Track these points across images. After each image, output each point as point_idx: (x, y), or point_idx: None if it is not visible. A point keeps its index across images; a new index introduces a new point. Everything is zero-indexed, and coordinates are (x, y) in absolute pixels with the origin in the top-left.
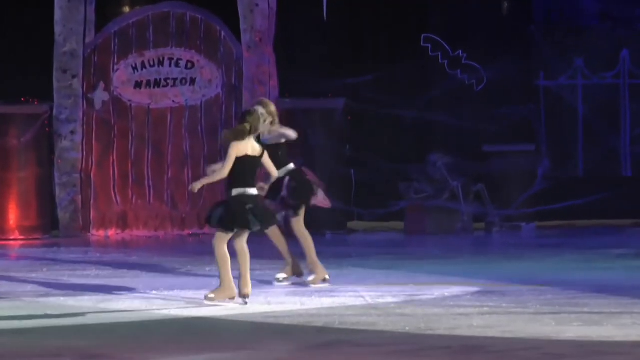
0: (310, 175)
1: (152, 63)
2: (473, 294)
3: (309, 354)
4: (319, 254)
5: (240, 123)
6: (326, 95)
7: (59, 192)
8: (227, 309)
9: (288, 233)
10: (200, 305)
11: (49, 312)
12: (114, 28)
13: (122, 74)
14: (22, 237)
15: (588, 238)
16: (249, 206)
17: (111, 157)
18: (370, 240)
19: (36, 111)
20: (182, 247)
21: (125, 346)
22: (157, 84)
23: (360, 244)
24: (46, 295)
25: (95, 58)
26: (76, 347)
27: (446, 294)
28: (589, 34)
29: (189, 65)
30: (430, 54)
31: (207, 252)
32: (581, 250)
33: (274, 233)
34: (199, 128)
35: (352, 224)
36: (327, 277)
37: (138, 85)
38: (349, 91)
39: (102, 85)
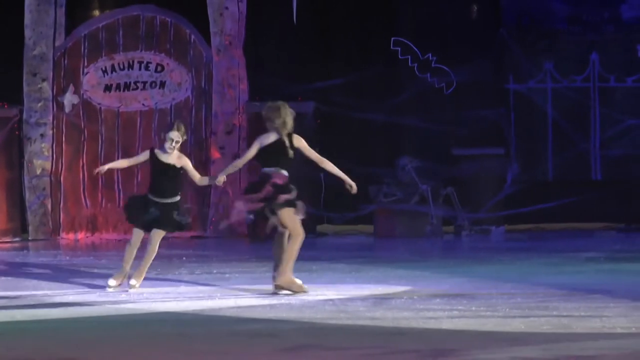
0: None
1: (121, 66)
2: (442, 297)
3: (278, 357)
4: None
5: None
6: (296, 98)
7: (28, 196)
8: (197, 311)
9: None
10: (170, 309)
11: (18, 316)
12: (84, 31)
13: (91, 77)
14: None
15: (558, 241)
16: None
17: (81, 161)
18: (339, 243)
19: (6, 115)
20: None
21: (95, 348)
22: (126, 87)
23: (329, 248)
24: (16, 298)
25: (65, 61)
26: (47, 350)
27: (415, 297)
28: (559, 38)
29: (159, 68)
30: (399, 57)
31: (175, 255)
32: (551, 254)
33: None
34: None
35: (321, 228)
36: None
37: (108, 88)
38: (318, 94)
39: (72, 88)
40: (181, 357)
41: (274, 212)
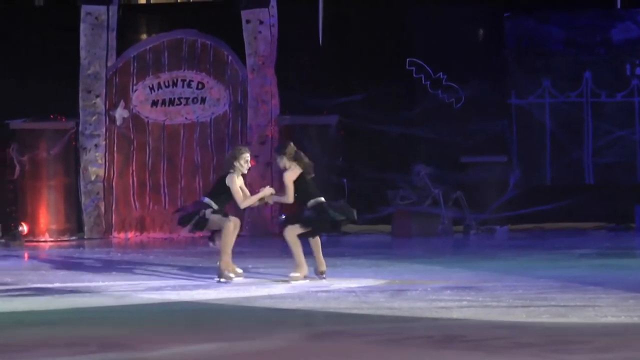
0: None
1: (166, 84)
2: (453, 289)
3: (306, 343)
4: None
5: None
6: (321, 112)
7: (84, 199)
8: (234, 301)
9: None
10: (209, 299)
11: (75, 306)
12: (133, 53)
13: (140, 94)
14: (51, 239)
15: (555, 239)
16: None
17: (130, 168)
18: (361, 241)
19: (64, 127)
20: (193, 247)
21: (143, 336)
22: (171, 102)
23: (352, 245)
24: (73, 290)
25: (116, 79)
26: (100, 337)
27: (429, 289)
28: (556, 58)
29: (200, 86)
30: (414, 76)
31: (214, 252)
32: (549, 251)
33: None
34: (209, 142)
35: (345, 227)
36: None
37: (154, 103)
38: (341, 109)
39: (122, 103)
40: (218, 342)
41: None
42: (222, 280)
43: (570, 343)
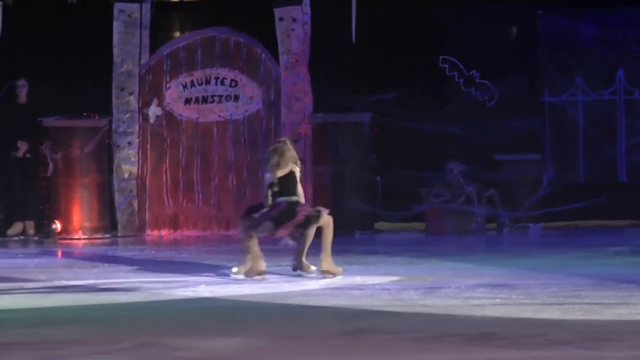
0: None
1: (200, 82)
2: (486, 286)
3: (339, 339)
4: (349, 251)
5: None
6: (354, 110)
7: (117, 197)
8: (268, 298)
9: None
10: (243, 296)
11: (108, 303)
12: (166, 51)
13: (173, 92)
14: (84, 237)
15: (589, 237)
16: None
17: (164, 166)
18: (394, 239)
19: (97, 125)
20: (226, 245)
21: (176, 333)
22: (204, 100)
23: (386, 243)
24: (106, 287)
25: (149, 77)
26: (133, 334)
27: (462, 286)
28: (589, 56)
29: (233, 83)
30: (447, 73)
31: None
32: (583, 248)
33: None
34: (242, 140)
35: (378, 225)
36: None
37: (187, 101)
38: (375, 106)
39: (155, 101)
40: (252, 337)
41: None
42: (329, 276)
43: (605, 340)
